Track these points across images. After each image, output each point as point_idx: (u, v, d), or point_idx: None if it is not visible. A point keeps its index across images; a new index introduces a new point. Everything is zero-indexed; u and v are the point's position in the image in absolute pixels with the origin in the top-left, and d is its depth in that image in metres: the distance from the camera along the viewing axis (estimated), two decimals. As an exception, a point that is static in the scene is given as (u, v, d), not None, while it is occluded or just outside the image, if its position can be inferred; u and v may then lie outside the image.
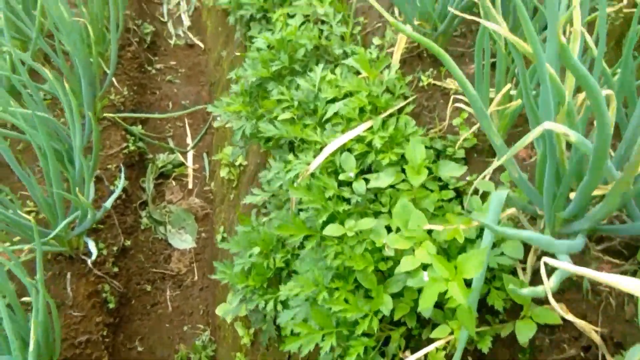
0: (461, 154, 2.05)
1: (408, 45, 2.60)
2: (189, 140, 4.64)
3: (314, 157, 2.26)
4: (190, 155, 4.51)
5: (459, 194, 1.96)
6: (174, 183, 4.24)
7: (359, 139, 2.14)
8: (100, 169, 3.62)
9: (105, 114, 3.95)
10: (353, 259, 1.76)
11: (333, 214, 1.94)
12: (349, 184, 2.06)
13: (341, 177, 2.04)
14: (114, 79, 4.19)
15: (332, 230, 1.85)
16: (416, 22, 2.50)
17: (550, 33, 1.45)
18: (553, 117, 1.44)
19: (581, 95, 1.55)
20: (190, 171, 4.37)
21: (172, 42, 5.60)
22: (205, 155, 4.51)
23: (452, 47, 2.58)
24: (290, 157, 2.33)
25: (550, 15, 1.36)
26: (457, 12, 1.76)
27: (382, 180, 1.97)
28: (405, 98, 2.34)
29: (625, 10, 1.99)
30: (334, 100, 2.37)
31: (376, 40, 2.70)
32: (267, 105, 2.59)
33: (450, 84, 2.44)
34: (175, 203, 4.09)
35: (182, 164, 4.40)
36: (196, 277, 3.69)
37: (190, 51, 5.60)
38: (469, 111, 2.10)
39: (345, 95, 2.35)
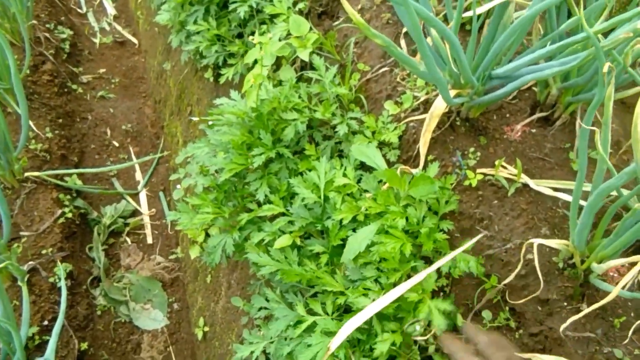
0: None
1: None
2: (138, 176, 3.82)
3: (333, 312, 1.62)
4: (143, 197, 3.71)
5: None
6: (129, 241, 3.47)
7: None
8: (33, 256, 2.84)
9: (27, 174, 3.08)
10: None
11: None
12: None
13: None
14: (31, 123, 3.27)
15: None
16: (452, 91, 1.79)
17: None
18: None
19: None
20: (146, 220, 3.60)
21: (97, 40, 4.57)
22: (162, 194, 3.72)
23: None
24: (300, 307, 1.67)
25: None
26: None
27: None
28: (453, 215, 1.69)
29: None
30: (352, 221, 1.69)
31: (390, 107, 1.97)
32: (252, 214, 1.88)
33: (503, 170, 1.80)
34: (135, 269, 3.35)
35: (134, 212, 3.61)
36: (175, 365, 3.07)
37: (121, 50, 4.59)
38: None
39: (367, 216, 1.67)
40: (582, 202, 1.44)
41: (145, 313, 3.20)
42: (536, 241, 1.48)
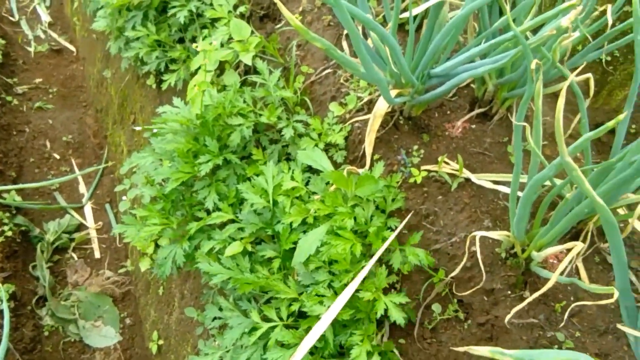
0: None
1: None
2: (82, 188, 3.68)
3: (288, 318, 1.62)
4: (88, 210, 3.59)
5: None
6: (75, 257, 3.35)
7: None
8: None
9: (-40, 193, 2.92)
10: None
11: None
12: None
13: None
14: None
15: None
16: (393, 90, 1.82)
17: None
18: None
19: None
20: (93, 234, 3.47)
21: (31, 49, 4.38)
22: (108, 206, 3.61)
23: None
24: (254, 314, 1.66)
25: None
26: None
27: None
28: (400, 212, 1.72)
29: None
30: (302, 224, 1.69)
31: (334, 108, 1.99)
32: (201, 223, 1.85)
33: (446, 166, 1.85)
34: (83, 285, 3.24)
35: (80, 227, 3.48)
36: (131, 382, 2.98)
37: (58, 59, 4.42)
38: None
39: (316, 218, 1.68)
40: (520, 194, 1.50)
41: (96, 330, 3.09)
42: (478, 234, 1.53)
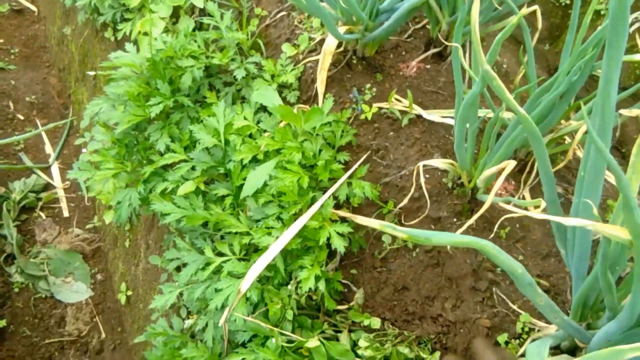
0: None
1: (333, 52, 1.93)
2: (48, 149, 3.64)
3: (241, 252, 1.65)
4: (55, 170, 3.56)
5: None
6: (43, 216, 3.33)
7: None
8: None
9: None
10: None
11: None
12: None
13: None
14: None
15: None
16: (342, 27, 1.82)
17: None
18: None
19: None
20: (61, 193, 3.46)
21: (-9, 9, 4.24)
22: (75, 165, 3.57)
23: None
24: (207, 250, 1.69)
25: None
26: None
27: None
28: (351, 147, 1.74)
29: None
30: (252, 161, 1.71)
31: (287, 49, 1.98)
32: (154, 165, 1.85)
33: (398, 104, 1.87)
34: (52, 243, 3.24)
35: (47, 186, 3.46)
36: (103, 334, 3.02)
37: (19, 19, 4.29)
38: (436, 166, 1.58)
39: (267, 154, 1.69)
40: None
41: (67, 286, 3.11)
42: (422, 163, 1.56)
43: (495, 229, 1.61)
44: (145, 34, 2.12)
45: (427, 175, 1.71)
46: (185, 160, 1.79)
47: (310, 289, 1.49)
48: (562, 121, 1.65)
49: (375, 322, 1.51)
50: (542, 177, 1.16)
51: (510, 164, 1.32)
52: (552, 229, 1.28)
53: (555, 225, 1.26)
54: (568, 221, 0.90)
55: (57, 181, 3.50)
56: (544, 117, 1.43)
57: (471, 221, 1.48)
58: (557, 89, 1.25)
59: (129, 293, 2.71)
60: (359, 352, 1.45)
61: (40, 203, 3.36)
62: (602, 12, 2.42)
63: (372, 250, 1.72)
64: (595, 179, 1.00)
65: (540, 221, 1.70)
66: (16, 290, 3.00)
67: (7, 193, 3.26)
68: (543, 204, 1.17)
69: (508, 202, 1.39)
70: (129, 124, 1.87)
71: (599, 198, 1.05)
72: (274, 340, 1.47)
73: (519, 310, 1.48)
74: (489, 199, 1.35)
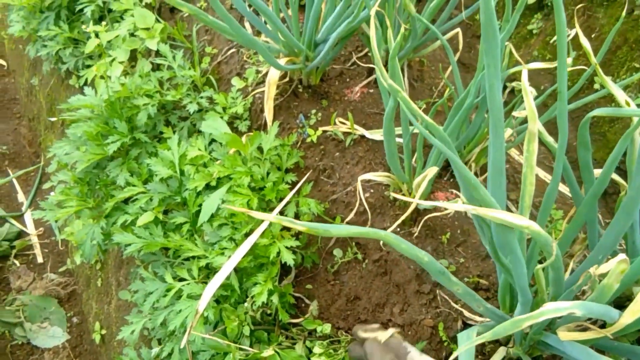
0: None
1: (279, 83, 2.07)
2: (20, 197, 3.70)
3: (199, 275, 1.73)
4: (28, 217, 3.61)
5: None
6: (17, 263, 3.37)
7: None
8: None
9: None
10: None
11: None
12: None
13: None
14: None
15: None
16: (284, 59, 1.96)
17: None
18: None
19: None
20: (35, 240, 3.50)
21: (-40, 66, 4.36)
22: (48, 212, 3.63)
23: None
24: (168, 276, 1.76)
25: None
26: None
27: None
28: (299, 169, 1.85)
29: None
30: (207, 188, 1.81)
31: (236, 82, 2.11)
32: (115, 200, 1.94)
33: (342, 126, 1.99)
34: (27, 290, 3.26)
35: (20, 234, 3.50)
36: (82, 378, 3.02)
37: (-11, 74, 4.41)
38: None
39: (219, 180, 1.80)
40: (400, 140, 1.64)
41: (43, 332, 3.13)
42: (361, 177, 1.67)
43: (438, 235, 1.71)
44: (102, 77, 2.24)
45: (372, 190, 1.82)
46: (143, 192, 1.88)
47: (264, 303, 1.57)
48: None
49: (326, 328, 1.59)
50: (458, 179, 1.27)
51: (432, 170, 1.44)
52: (476, 227, 1.39)
53: (477, 224, 1.37)
54: (455, 207, 1.01)
55: (30, 228, 3.55)
56: (460, 128, 1.56)
57: (400, 220, 1.58)
58: (468, 102, 1.39)
59: (103, 332, 2.74)
60: (313, 359, 1.52)
61: (14, 251, 3.40)
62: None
63: (325, 265, 1.82)
64: (495, 173, 1.12)
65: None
66: (-9, 339, 3.01)
67: (-21, 243, 3.29)
68: (461, 204, 1.28)
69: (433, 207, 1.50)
70: (89, 163, 1.97)
71: (504, 193, 1.17)
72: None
73: (461, 309, 1.58)
74: (413, 203, 1.47)
